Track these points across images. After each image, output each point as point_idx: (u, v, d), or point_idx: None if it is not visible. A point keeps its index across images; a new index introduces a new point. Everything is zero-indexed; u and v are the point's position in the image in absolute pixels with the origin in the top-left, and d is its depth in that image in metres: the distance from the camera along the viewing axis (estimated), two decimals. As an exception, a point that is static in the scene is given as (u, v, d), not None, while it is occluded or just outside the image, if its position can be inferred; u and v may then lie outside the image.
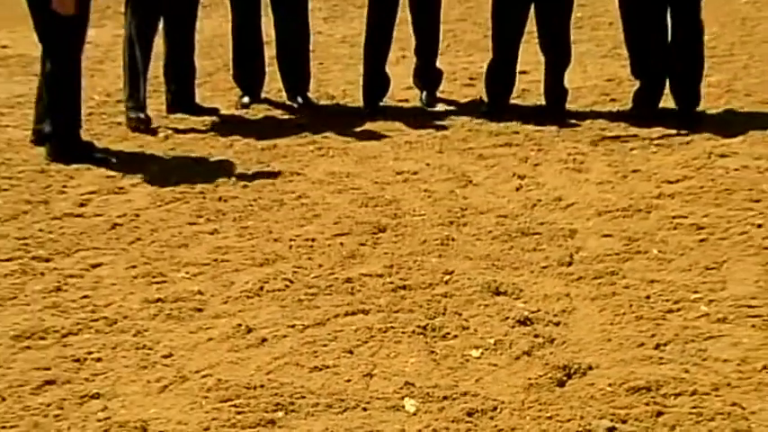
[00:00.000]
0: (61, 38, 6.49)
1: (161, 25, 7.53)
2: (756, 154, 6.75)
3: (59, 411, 3.76)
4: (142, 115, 7.38)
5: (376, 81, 8.11)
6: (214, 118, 7.74)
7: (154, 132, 7.33)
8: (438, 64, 8.37)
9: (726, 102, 8.05)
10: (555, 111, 7.78)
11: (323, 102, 8.30)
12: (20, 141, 7.04)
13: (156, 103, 7.71)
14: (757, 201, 5.92)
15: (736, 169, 6.47)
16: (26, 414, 3.74)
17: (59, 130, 6.66)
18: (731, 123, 7.48)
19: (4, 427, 3.66)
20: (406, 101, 8.30)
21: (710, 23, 10.58)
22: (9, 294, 4.76)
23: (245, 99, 8.11)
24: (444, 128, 7.52)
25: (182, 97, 7.78)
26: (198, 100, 7.96)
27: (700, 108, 7.49)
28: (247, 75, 8.17)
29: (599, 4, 11.33)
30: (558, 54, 7.83)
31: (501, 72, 7.93)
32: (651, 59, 7.50)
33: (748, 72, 9.03)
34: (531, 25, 7.92)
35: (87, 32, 6.69)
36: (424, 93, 8.25)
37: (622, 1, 7.53)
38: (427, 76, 8.30)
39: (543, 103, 7.96)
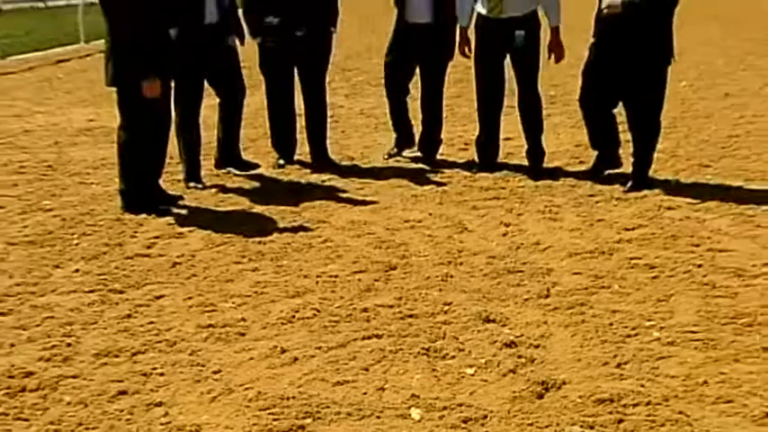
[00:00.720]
0: (135, 114, 6.53)
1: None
2: (696, 207, 6.72)
3: (130, 416, 3.79)
4: (200, 185, 7.37)
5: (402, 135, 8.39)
6: (255, 177, 7.69)
7: (205, 188, 7.33)
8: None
9: (671, 165, 8.02)
10: (535, 169, 7.77)
11: (344, 162, 8.28)
12: (101, 195, 7.04)
13: (208, 164, 7.71)
14: (697, 245, 5.90)
15: (680, 219, 6.45)
16: (104, 418, 3.77)
17: (130, 187, 6.69)
18: (677, 182, 7.47)
19: (87, 428, 3.69)
20: (413, 162, 8.28)
21: None
22: (91, 320, 4.77)
23: (281, 161, 8.11)
24: (443, 184, 7.51)
25: (229, 156, 7.75)
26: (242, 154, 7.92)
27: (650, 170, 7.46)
28: (282, 142, 8.16)
29: (569, 85, 11.33)
30: (533, 123, 7.85)
31: (487, 139, 7.96)
32: (609, 134, 7.47)
33: (688, 141, 9.01)
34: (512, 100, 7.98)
35: (163, 111, 6.71)
36: (428, 156, 8.29)
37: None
38: (431, 143, 8.33)
39: (525, 163, 7.96)
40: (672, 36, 7.01)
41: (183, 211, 6.74)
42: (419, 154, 8.39)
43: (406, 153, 8.42)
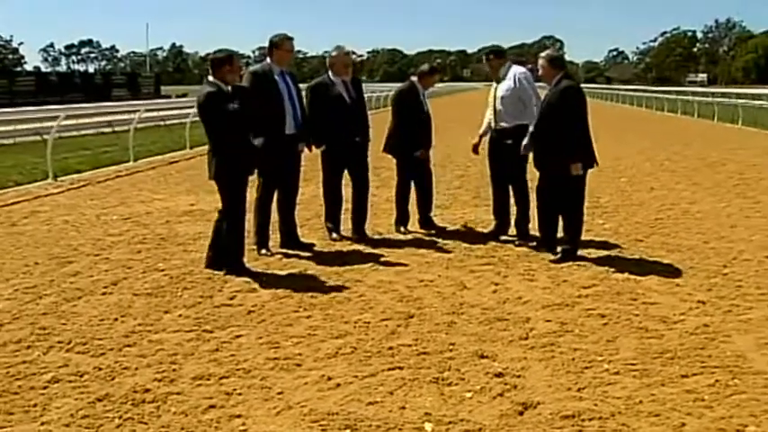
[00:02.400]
0: (231, 204, 6.53)
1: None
2: (634, 271, 6.59)
3: (217, 425, 3.75)
4: (269, 253, 7.26)
5: (403, 215, 8.35)
6: (309, 248, 7.59)
7: (273, 256, 7.25)
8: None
9: (615, 239, 7.92)
10: (522, 234, 7.74)
11: (375, 236, 8.18)
12: (198, 260, 7.01)
13: (273, 239, 7.60)
14: (635, 299, 5.80)
15: (622, 280, 6.35)
16: (199, 425, 3.75)
17: (230, 257, 6.61)
18: (619, 252, 7.36)
19: (187, 432, 3.67)
20: (426, 236, 8.17)
21: (604, 194, 10.83)
22: (190, 352, 4.73)
23: (334, 235, 7.98)
24: (449, 253, 7.39)
25: (290, 236, 7.66)
26: (299, 236, 7.80)
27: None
28: (335, 219, 8.05)
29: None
30: (520, 201, 7.80)
31: (498, 208, 7.98)
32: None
33: (627, 222, 8.93)
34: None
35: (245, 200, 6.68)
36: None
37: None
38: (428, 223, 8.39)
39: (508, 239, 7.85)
40: (588, 146, 6.90)
41: (257, 272, 6.64)
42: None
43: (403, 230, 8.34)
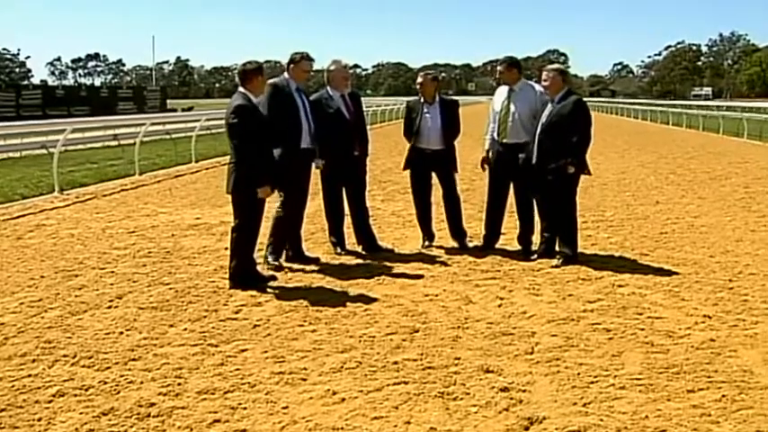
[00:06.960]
0: (246, 217, 6.54)
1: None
2: (639, 285, 6.60)
3: None
4: (277, 263, 7.28)
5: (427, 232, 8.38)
6: (315, 262, 7.59)
7: (281, 269, 7.24)
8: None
9: (620, 254, 7.92)
10: (527, 252, 7.77)
11: (389, 246, 8.16)
12: (204, 273, 7.04)
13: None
14: (641, 314, 5.79)
15: (628, 295, 6.34)
16: None
17: (237, 268, 6.60)
18: (624, 266, 7.34)
19: (190, 449, 3.65)
20: (431, 251, 8.16)
21: (609, 207, 10.83)
22: (194, 366, 4.72)
23: (338, 249, 7.98)
24: (454, 267, 7.38)
25: (295, 250, 7.67)
26: (304, 250, 7.81)
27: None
28: (339, 233, 8.05)
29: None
30: (527, 219, 7.85)
31: (489, 228, 8.07)
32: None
33: (633, 235, 8.93)
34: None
35: (261, 213, 6.70)
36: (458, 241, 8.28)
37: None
38: (459, 232, 8.29)
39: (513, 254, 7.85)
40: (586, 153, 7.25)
41: (261, 287, 6.60)
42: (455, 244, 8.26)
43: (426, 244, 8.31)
